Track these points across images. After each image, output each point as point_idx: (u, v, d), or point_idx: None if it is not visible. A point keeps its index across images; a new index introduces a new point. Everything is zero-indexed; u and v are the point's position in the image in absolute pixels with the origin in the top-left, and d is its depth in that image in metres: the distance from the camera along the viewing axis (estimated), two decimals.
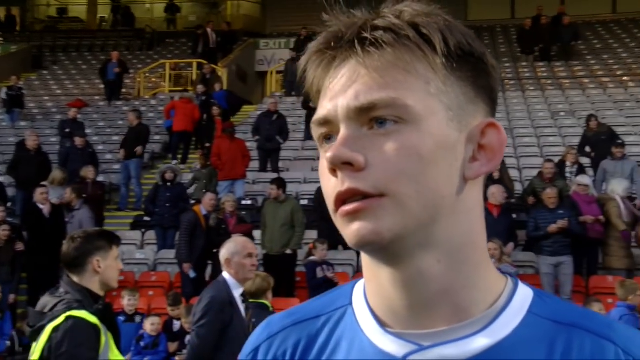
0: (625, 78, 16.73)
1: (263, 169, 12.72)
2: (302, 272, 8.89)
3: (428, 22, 0.77)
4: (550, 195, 8.63)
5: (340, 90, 0.77)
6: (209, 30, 18.92)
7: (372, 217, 0.74)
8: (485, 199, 7.18)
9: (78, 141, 11.81)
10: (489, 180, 8.45)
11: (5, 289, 8.65)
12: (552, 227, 8.36)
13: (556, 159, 10.37)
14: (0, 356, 7.51)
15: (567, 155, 10.49)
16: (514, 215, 9.45)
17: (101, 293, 2.99)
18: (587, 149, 11.28)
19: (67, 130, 13.09)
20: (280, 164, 12.87)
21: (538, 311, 0.80)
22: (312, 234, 9.57)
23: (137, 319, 7.63)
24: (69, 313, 2.78)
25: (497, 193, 8.62)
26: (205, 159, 11.62)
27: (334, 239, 9.40)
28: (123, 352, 7.25)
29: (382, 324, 0.81)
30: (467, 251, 0.79)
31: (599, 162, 10.76)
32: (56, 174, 10.62)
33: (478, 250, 0.81)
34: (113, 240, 3.09)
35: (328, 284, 8.08)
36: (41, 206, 9.18)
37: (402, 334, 0.79)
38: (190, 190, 11.37)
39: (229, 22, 21.52)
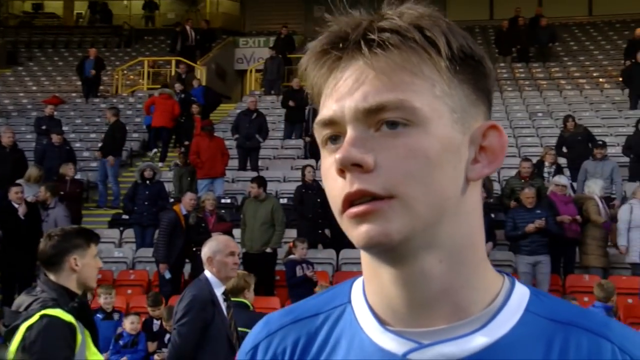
0: (601, 80, 16.95)
1: (242, 167, 12.69)
2: (281, 271, 8.88)
3: (432, 24, 0.77)
4: (528, 195, 8.72)
5: (347, 91, 0.77)
6: (187, 27, 18.82)
7: (381, 219, 0.75)
8: None
9: (55, 138, 11.68)
10: None
11: None
12: (530, 227, 8.45)
13: (534, 159, 10.48)
14: None
15: (545, 156, 10.61)
16: (492, 215, 9.53)
17: (79, 292, 2.95)
18: (564, 149, 11.44)
19: (44, 127, 12.95)
20: (260, 163, 12.86)
21: (535, 310, 0.81)
22: (291, 233, 9.57)
23: (115, 316, 7.57)
24: (43, 312, 2.75)
25: None
26: (185, 157, 11.56)
27: (313, 238, 9.42)
28: (102, 350, 7.19)
29: (381, 322, 0.82)
30: (467, 252, 0.80)
31: (575, 162, 10.92)
32: (32, 171, 10.49)
33: (478, 251, 0.82)
34: (91, 238, 3.05)
35: (308, 283, 8.09)
36: (16, 205, 9.05)
37: (401, 331, 0.80)
38: (170, 189, 11.31)
39: (207, 20, 21.40)
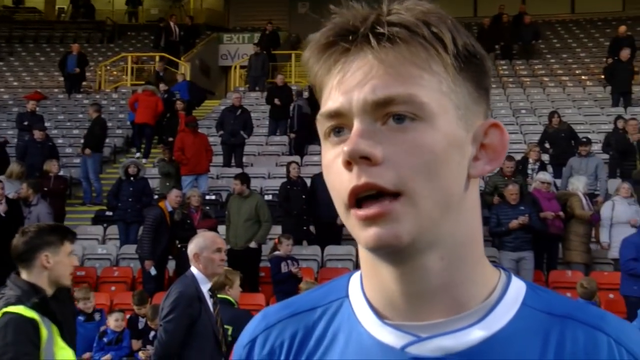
0: (583, 77, 17.08)
1: (227, 163, 12.66)
2: (266, 267, 8.87)
3: (439, 21, 0.77)
4: (512, 191, 8.78)
5: (355, 84, 0.76)
6: (171, 23, 18.72)
7: (392, 221, 0.75)
8: None
9: (37, 134, 11.57)
10: None
11: None
12: (514, 223, 8.51)
13: (517, 156, 10.54)
14: None
15: (530, 152, 10.69)
16: None
17: (51, 289, 2.90)
18: (547, 144, 11.53)
19: (26, 123, 12.83)
20: (244, 159, 12.83)
21: (532, 303, 0.82)
22: (276, 229, 9.55)
23: (97, 316, 7.50)
24: (4, 309, 2.74)
25: None
26: (170, 153, 11.49)
27: (298, 234, 9.42)
28: (86, 350, 7.11)
29: (379, 316, 0.82)
30: (468, 248, 0.81)
31: (558, 159, 11.00)
32: (14, 167, 10.38)
33: (477, 247, 0.82)
34: (66, 235, 3.00)
35: (293, 279, 8.08)
36: None
37: (400, 325, 0.80)
38: (155, 185, 11.25)
39: (191, 16, 21.29)
